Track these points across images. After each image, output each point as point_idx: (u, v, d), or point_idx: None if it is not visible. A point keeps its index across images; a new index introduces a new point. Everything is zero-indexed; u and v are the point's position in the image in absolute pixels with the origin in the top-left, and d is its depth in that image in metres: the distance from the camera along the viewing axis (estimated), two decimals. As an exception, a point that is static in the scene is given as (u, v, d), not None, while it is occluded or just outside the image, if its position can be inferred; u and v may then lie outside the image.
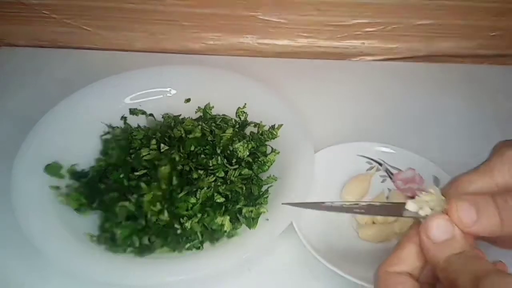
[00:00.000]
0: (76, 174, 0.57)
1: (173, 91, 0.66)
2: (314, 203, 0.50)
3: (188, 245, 0.51)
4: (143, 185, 0.54)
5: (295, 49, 0.79)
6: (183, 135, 0.60)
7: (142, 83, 0.66)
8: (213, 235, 0.51)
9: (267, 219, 0.51)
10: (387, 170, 0.59)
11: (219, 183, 0.54)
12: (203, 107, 0.65)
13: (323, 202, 0.43)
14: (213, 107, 0.65)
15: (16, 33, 0.80)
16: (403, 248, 0.36)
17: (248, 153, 0.58)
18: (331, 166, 0.58)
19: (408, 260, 0.36)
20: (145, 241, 0.51)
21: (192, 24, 0.77)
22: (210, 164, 0.56)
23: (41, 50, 0.80)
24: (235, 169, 0.56)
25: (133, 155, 0.58)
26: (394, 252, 0.36)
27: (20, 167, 0.55)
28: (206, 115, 0.64)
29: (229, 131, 0.60)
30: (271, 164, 0.58)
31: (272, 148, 0.60)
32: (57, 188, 0.55)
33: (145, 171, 0.56)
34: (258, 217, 0.51)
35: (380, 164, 0.60)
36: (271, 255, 0.53)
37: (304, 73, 0.76)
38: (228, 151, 0.58)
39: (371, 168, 0.60)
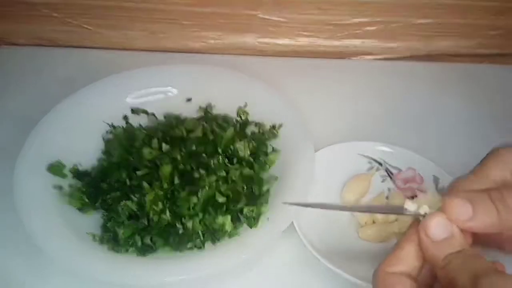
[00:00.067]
0: (78, 174, 0.57)
1: (175, 91, 0.66)
2: (315, 203, 0.51)
3: (189, 244, 0.51)
4: (145, 184, 0.54)
5: (295, 48, 0.79)
6: (185, 135, 0.60)
7: (143, 82, 0.66)
8: (214, 234, 0.52)
9: (268, 219, 0.51)
10: (387, 170, 0.60)
11: (220, 183, 0.55)
12: (204, 107, 0.65)
13: (324, 203, 0.43)
14: (214, 106, 0.65)
15: (17, 32, 0.80)
16: (402, 248, 0.36)
17: (249, 153, 0.58)
18: (331, 165, 0.58)
19: (407, 260, 0.36)
20: (147, 240, 0.51)
21: (192, 23, 0.77)
22: (212, 164, 0.56)
23: (42, 49, 0.80)
24: (236, 169, 0.56)
25: (134, 155, 0.58)
26: (393, 252, 0.36)
27: (22, 166, 0.55)
28: (207, 115, 0.64)
29: (230, 130, 0.60)
30: (272, 163, 0.59)
31: (273, 148, 0.60)
32: (60, 187, 0.55)
33: (147, 170, 0.56)
34: (259, 217, 0.52)
35: (380, 164, 0.60)
36: (272, 254, 0.53)
37: (305, 72, 0.76)
38: (229, 151, 0.58)
39: (371, 167, 0.60)
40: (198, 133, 0.60)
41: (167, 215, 0.52)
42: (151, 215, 0.52)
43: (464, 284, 0.32)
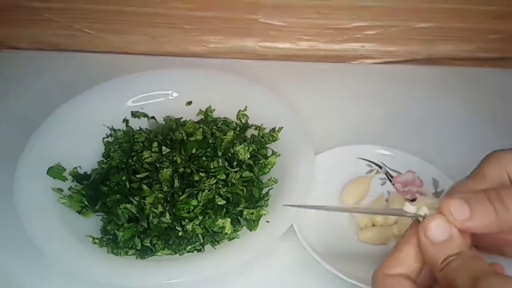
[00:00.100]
0: (78, 177, 0.58)
1: (175, 94, 0.66)
2: (315, 205, 0.51)
3: (189, 247, 0.51)
4: (145, 187, 0.54)
5: (295, 52, 0.79)
6: (185, 138, 0.60)
7: (143, 86, 0.66)
8: (214, 237, 0.52)
9: (268, 221, 0.51)
10: (386, 173, 0.60)
11: (220, 186, 0.55)
12: (204, 110, 0.65)
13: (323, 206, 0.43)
14: (214, 109, 0.65)
15: (18, 36, 0.80)
16: (401, 250, 0.36)
17: (249, 156, 0.59)
18: (331, 168, 0.58)
19: (406, 262, 0.36)
20: (147, 243, 0.51)
21: (193, 27, 0.77)
22: (211, 167, 0.57)
23: (43, 53, 0.80)
24: (236, 172, 0.56)
25: (135, 158, 0.58)
26: (392, 254, 0.36)
27: (23, 169, 0.55)
28: (207, 118, 0.64)
29: (230, 133, 0.60)
30: (272, 166, 0.59)
31: (272, 151, 0.60)
32: (60, 190, 0.55)
33: (147, 173, 0.56)
34: (259, 219, 0.52)
35: (380, 167, 0.60)
36: (272, 257, 0.53)
37: (305, 76, 0.76)
38: (229, 154, 0.59)
39: (371, 170, 0.60)
40: (198, 136, 0.60)
41: (167, 218, 0.52)
42: (151, 217, 0.53)
43: (464, 285, 0.32)
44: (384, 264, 0.36)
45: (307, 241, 0.50)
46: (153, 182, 0.55)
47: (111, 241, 0.52)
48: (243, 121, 0.64)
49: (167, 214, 0.52)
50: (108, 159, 0.60)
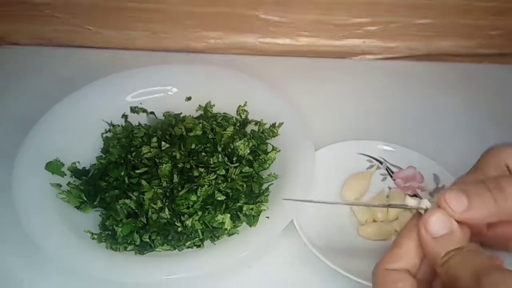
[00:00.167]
0: (77, 172, 0.57)
1: (174, 90, 0.66)
2: (314, 200, 0.51)
3: (188, 243, 0.51)
4: (144, 183, 0.54)
5: (296, 48, 0.79)
6: (184, 133, 0.60)
7: (143, 81, 0.66)
8: (213, 233, 0.51)
9: (268, 217, 0.51)
10: (387, 168, 0.60)
11: (219, 181, 0.55)
12: (204, 105, 0.65)
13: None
14: (214, 105, 0.65)
15: (18, 32, 0.80)
16: (401, 245, 0.36)
17: (248, 151, 0.58)
18: (331, 164, 0.58)
19: (406, 257, 0.35)
20: (146, 238, 0.51)
21: (193, 23, 0.77)
22: (211, 162, 0.56)
23: (43, 48, 0.80)
24: (235, 167, 0.56)
25: (134, 153, 0.58)
26: (392, 249, 0.36)
27: (22, 164, 0.55)
28: (207, 113, 0.64)
29: (230, 129, 0.60)
30: (272, 162, 0.59)
31: (272, 146, 0.60)
32: (58, 185, 0.55)
33: (146, 169, 0.56)
34: (259, 215, 0.52)
35: (381, 163, 0.60)
36: (272, 252, 0.53)
37: (305, 72, 0.76)
38: (229, 149, 0.58)
39: (372, 166, 0.60)
40: (198, 131, 0.60)
41: (166, 213, 0.52)
42: (150, 213, 0.52)
43: (466, 282, 0.32)
44: (385, 259, 0.36)
45: (307, 236, 0.50)
46: (152, 178, 0.55)
47: (110, 237, 0.52)
48: (243, 116, 0.63)
49: (166, 209, 0.52)
50: (107, 154, 0.59)
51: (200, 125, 0.60)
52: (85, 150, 0.60)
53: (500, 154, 0.39)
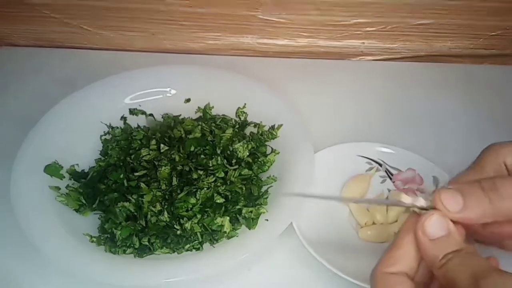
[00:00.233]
0: (76, 175, 0.57)
1: (173, 91, 0.66)
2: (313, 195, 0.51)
3: (188, 245, 0.51)
4: (143, 185, 0.54)
5: (295, 49, 0.79)
6: (183, 135, 0.60)
7: (142, 83, 0.66)
8: (212, 235, 0.51)
9: (267, 220, 0.51)
10: (387, 171, 0.59)
11: (219, 184, 0.55)
12: (203, 107, 0.65)
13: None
14: (213, 107, 0.65)
15: (17, 33, 0.80)
16: (398, 248, 0.36)
17: (248, 154, 0.58)
18: (331, 166, 0.58)
19: (404, 260, 0.35)
20: (145, 241, 0.51)
21: (192, 24, 0.77)
22: (210, 165, 0.56)
23: (42, 50, 0.80)
24: (235, 170, 0.56)
25: (133, 156, 0.58)
26: (389, 252, 0.36)
27: (20, 167, 0.55)
28: (206, 115, 0.64)
29: (229, 131, 0.60)
30: (271, 164, 0.58)
31: (272, 149, 0.60)
32: (57, 188, 0.55)
33: (145, 171, 0.56)
34: (258, 218, 0.51)
35: (380, 165, 0.60)
36: (271, 255, 0.53)
37: (304, 73, 0.76)
38: (228, 152, 0.58)
39: (371, 168, 0.60)
40: (197, 133, 0.60)
41: (165, 216, 0.52)
42: (149, 216, 0.52)
43: (465, 284, 0.32)
44: (383, 263, 0.36)
45: (306, 239, 0.50)
46: (151, 180, 0.55)
47: (108, 240, 0.52)
48: (242, 118, 0.63)
49: (165, 212, 0.52)
50: (106, 157, 0.59)
51: (199, 127, 0.60)
52: (84, 152, 0.60)
53: (499, 152, 0.39)
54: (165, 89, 0.66)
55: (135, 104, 0.64)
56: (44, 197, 0.54)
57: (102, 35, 0.79)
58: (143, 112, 0.64)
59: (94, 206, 0.54)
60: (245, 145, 0.58)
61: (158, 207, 0.52)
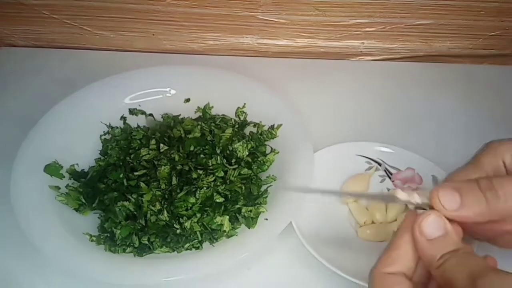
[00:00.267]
0: (75, 174, 0.57)
1: (173, 91, 0.66)
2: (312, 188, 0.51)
3: (187, 245, 0.51)
4: (142, 185, 0.54)
5: (294, 49, 0.79)
6: (183, 135, 0.60)
7: (141, 83, 0.66)
8: (212, 235, 0.51)
9: (266, 219, 0.51)
10: (386, 170, 0.60)
11: (218, 183, 0.55)
12: (202, 107, 0.65)
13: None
14: (212, 107, 0.65)
15: (16, 34, 0.80)
16: (396, 248, 0.36)
17: (247, 153, 0.58)
18: (330, 166, 0.58)
19: (402, 259, 0.35)
20: (145, 241, 0.51)
21: (192, 24, 0.77)
22: (210, 164, 0.56)
23: (41, 50, 0.80)
24: (234, 169, 0.56)
25: (132, 155, 0.58)
26: (387, 252, 0.36)
27: (20, 167, 0.55)
28: (205, 115, 0.64)
29: (229, 131, 0.60)
30: (271, 164, 0.58)
31: (271, 148, 0.60)
32: (57, 188, 0.55)
33: (144, 171, 0.56)
34: (257, 217, 0.52)
35: (379, 164, 0.60)
36: (270, 254, 0.53)
37: (304, 73, 0.76)
38: (228, 151, 0.58)
39: (370, 168, 0.60)
40: (196, 133, 0.60)
41: (165, 216, 0.52)
42: (148, 215, 0.52)
43: (462, 284, 0.32)
44: (381, 263, 0.36)
45: (306, 238, 0.50)
46: (151, 180, 0.55)
47: (108, 239, 0.52)
48: (242, 118, 0.63)
49: (165, 211, 0.52)
50: (106, 156, 0.59)
51: (199, 127, 0.60)
52: (84, 152, 0.60)
53: (498, 149, 0.39)
54: (164, 89, 0.66)
55: (135, 104, 0.65)
56: (44, 196, 0.54)
57: (102, 36, 0.79)
58: (143, 112, 0.64)
59: (94, 205, 0.55)
60: (245, 145, 0.58)
61: (158, 206, 0.52)
